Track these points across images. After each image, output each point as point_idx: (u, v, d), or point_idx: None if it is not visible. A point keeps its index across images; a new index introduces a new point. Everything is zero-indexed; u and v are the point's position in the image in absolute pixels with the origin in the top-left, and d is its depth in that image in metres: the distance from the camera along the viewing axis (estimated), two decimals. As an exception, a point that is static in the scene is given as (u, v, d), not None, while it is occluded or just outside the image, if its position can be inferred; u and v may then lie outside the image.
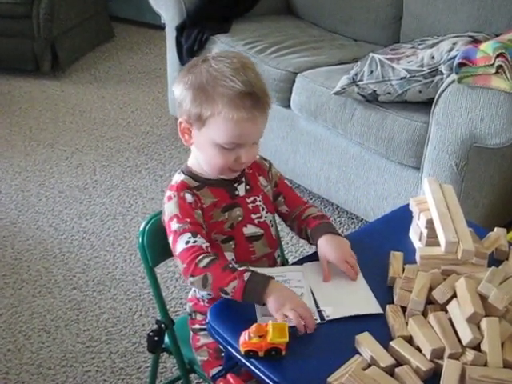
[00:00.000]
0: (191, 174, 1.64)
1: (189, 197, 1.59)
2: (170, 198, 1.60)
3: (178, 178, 1.64)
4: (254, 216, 1.67)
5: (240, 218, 1.65)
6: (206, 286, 1.50)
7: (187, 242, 1.53)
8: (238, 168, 1.61)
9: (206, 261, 1.49)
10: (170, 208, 1.58)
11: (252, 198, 1.68)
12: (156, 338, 1.77)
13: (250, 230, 1.66)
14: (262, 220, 1.68)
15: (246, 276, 1.46)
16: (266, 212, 1.70)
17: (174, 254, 1.57)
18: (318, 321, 1.45)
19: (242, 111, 1.50)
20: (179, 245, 1.54)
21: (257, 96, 1.52)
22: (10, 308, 2.57)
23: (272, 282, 1.47)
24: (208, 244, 1.55)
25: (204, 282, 1.49)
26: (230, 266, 1.49)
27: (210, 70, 1.53)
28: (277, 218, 1.79)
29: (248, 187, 1.68)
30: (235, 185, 1.66)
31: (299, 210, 1.75)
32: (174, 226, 1.56)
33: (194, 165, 1.65)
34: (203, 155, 1.60)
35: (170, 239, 1.57)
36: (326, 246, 1.61)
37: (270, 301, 1.43)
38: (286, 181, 1.80)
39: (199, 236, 1.54)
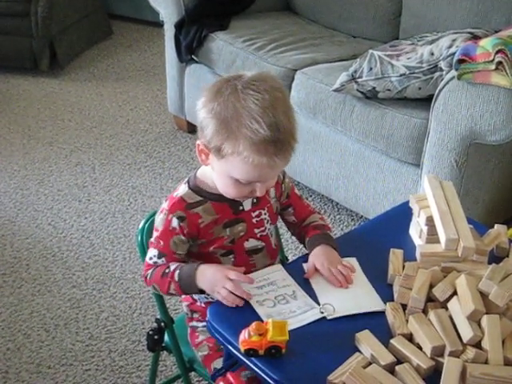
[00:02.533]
0: (197, 188, 1.60)
1: (175, 222, 1.57)
2: (161, 211, 1.60)
3: (181, 190, 1.61)
4: (257, 230, 1.65)
5: (242, 233, 1.63)
6: (160, 293, 1.64)
7: (150, 258, 1.63)
8: (251, 196, 1.57)
9: (149, 273, 1.61)
10: (157, 219, 1.61)
11: (257, 212, 1.64)
12: (156, 337, 1.77)
13: (251, 243, 1.65)
14: (264, 233, 1.67)
15: (176, 276, 1.56)
16: (270, 224, 1.68)
17: None
18: (320, 316, 1.45)
19: (263, 157, 1.43)
20: (147, 255, 1.64)
21: (281, 143, 1.44)
22: (10, 307, 2.57)
23: (198, 269, 1.55)
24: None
25: (157, 291, 1.64)
26: (166, 270, 1.58)
27: (237, 105, 1.43)
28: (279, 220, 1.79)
29: (255, 200, 1.63)
30: (240, 200, 1.62)
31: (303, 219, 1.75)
32: (153, 237, 1.63)
33: (205, 176, 1.61)
34: (218, 181, 1.55)
35: (149, 242, 1.65)
36: (316, 254, 1.61)
37: (203, 286, 1.53)
38: (296, 190, 1.77)
39: (163, 259, 1.61)
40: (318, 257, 1.59)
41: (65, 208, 3.13)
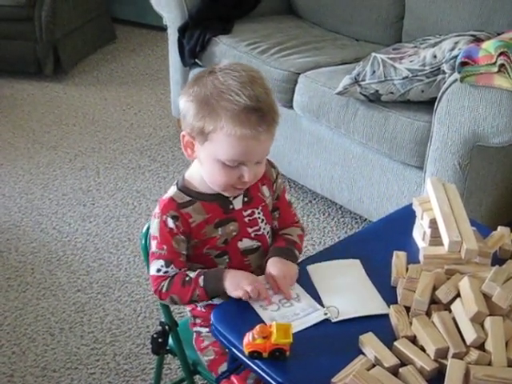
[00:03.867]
0: (185, 188, 1.60)
1: (170, 222, 1.56)
2: (155, 216, 1.60)
3: (171, 191, 1.61)
4: (250, 230, 1.64)
5: (234, 233, 1.62)
6: (177, 303, 1.61)
7: (158, 270, 1.59)
8: (241, 186, 1.56)
9: (165, 285, 1.57)
10: (153, 226, 1.60)
11: (249, 211, 1.63)
12: (160, 340, 1.78)
13: (245, 243, 1.64)
14: (259, 233, 1.65)
15: (201, 281, 1.54)
16: (266, 224, 1.67)
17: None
18: (324, 317, 1.46)
19: (246, 127, 1.43)
20: (152, 268, 1.60)
21: (262, 112, 1.45)
22: (15, 311, 2.57)
23: (225, 271, 1.54)
24: (180, 271, 1.59)
25: (174, 302, 1.60)
26: (187, 278, 1.56)
27: (216, 82, 1.46)
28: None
29: (246, 199, 1.62)
30: (230, 198, 1.61)
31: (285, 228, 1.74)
32: (153, 246, 1.60)
33: (192, 177, 1.61)
34: (206, 171, 1.55)
35: (149, 254, 1.62)
36: (271, 265, 1.59)
37: (227, 285, 1.51)
38: (286, 194, 1.75)
39: (172, 266, 1.58)
40: (272, 268, 1.57)
41: (69, 212, 3.14)
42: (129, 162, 3.54)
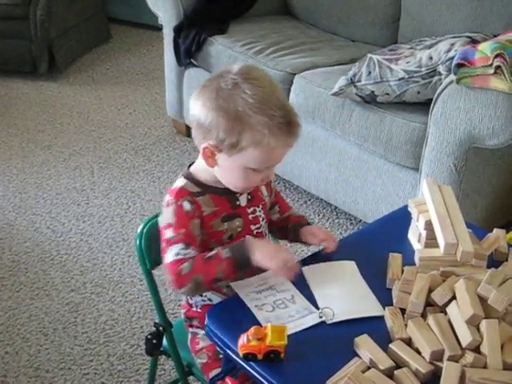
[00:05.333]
0: (193, 180, 1.60)
1: (187, 205, 1.55)
2: (168, 204, 1.57)
3: (179, 182, 1.60)
4: (253, 227, 1.66)
5: (240, 229, 1.63)
6: (199, 288, 1.54)
7: (177, 254, 1.52)
8: (257, 186, 1.63)
9: (186, 266, 1.51)
10: (166, 215, 1.56)
11: (252, 209, 1.66)
12: (154, 341, 1.77)
13: None
14: (260, 230, 1.68)
15: (226, 253, 1.51)
16: (265, 222, 1.70)
17: (163, 262, 1.56)
18: (319, 320, 1.45)
19: (281, 138, 1.49)
20: (169, 254, 1.54)
21: (293, 122, 1.51)
22: (8, 311, 2.56)
23: (248, 240, 1.53)
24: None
25: (196, 286, 1.52)
26: (208, 255, 1.52)
27: (245, 96, 1.47)
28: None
29: (249, 197, 1.65)
30: (237, 195, 1.63)
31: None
32: (168, 234, 1.55)
33: (198, 171, 1.61)
34: (227, 176, 1.56)
35: (162, 246, 1.57)
36: (311, 228, 1.70)
37: (259, 256, 1.50)
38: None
39: (191, 248, 1.53)
40: (315, 229, 1.70)
41: (63, 212, 3.13)
42: (123, 161, 3.53)
